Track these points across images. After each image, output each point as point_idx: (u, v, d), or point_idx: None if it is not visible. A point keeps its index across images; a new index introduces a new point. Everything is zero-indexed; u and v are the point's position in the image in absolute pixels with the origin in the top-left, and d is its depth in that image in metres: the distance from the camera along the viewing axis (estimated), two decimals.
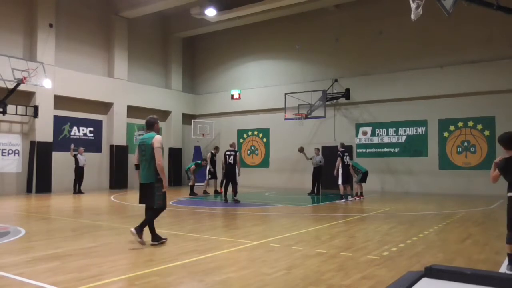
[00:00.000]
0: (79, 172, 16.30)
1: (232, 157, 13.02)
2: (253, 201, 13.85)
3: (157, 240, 6.32)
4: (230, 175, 13.03)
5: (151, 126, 6.54)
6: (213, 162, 15.98)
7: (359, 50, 18.90)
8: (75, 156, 16.26)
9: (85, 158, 16.51)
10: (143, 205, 6.63)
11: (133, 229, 6.11)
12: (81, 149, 16.62)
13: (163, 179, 6.27)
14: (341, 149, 13.68)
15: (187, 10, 19.82)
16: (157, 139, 6.25)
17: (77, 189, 16.24)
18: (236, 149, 13.41)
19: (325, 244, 6.44)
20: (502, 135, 5.02)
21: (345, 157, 13.58)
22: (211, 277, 4.59)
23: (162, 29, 22.58)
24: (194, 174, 15.97)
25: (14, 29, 16.51)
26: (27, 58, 16.14)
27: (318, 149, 16.41)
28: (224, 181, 13.53)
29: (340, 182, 13.46)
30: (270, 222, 9.35)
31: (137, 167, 6.55)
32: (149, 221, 6.31)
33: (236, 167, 12.87)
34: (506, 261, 4.99)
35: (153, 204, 6.28)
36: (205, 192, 16.04)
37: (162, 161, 6.28)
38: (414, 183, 17.33)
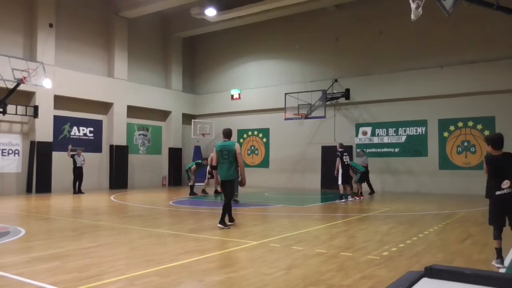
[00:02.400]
0: (77, 172, 16.27)
1: None
2: (253, 201, 13.85)
3: (225, 225, 7.84)
4: None
5: (229, 135, 8.19)
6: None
7: (359, 50, 18.90)
8: (72, 156, 16.22)
9: (82, 158, 16.42)
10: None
11: (229, 223, 7.99)
12: (79, 150, 16.60)
13: (243, 177, 8.11)
14: (340, 149, 13.66)
15: (187, 10, 19.82)
16: (238, 146, 7.97)
17: (77, 189, 16.23)
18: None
19: (325, 244, 6.44)
20: (491, 135, 5.35)
21: (344, 157, 13.55)
22: (211, 277, 4.59)
23: (162, 29, 22.58)
24: (195, 174, 15.96)
25: (14, 29, 16.52)
26: (27, 58, 16.14)
27: (363, 151, 16.70)
28: None
29: (340, 182, 13.45)
30: (270, 222, 9.35)
31: (215, 167, 8.27)
32: (230, 208, 8.18)
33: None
34: (507, 260, 5.05)
35: (234, 195, 8.44)
36: (203, 191, 16.02)
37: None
38: (414, 183, 17.33)
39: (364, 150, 17.00)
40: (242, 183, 8.25)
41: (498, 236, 5.01)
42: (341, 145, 13.94)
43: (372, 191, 16.07)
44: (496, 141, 5.07)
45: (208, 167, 15.79)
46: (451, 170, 16.67)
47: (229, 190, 8.09)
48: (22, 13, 16.78)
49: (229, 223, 8.08)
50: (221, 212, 8.01)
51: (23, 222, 9.10)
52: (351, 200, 13.53)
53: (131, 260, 5.40)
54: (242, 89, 22.39)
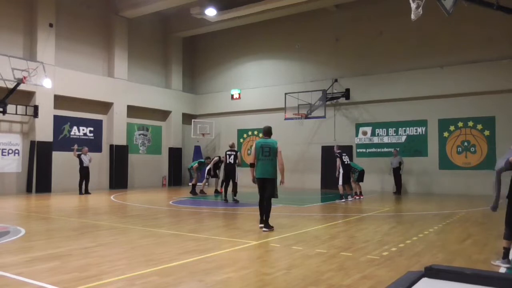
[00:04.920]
0: (83, 172, 16.06)
1: (232, 156, 13.14)
2: (253, 201, 13.80)
3: (269, 227, 7.57)
4: (230, 175, 13.16)
5: (270, 133, 8.01)
6: (216, 166, 15.82)
7: (359, 50, 18.89)
8: (78, 156, 15.94)
9: (89, 158, 16.19)
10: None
11: (264, 229, 7.51)
12: (85, 149, 16.34)
13: (283, 176, 7.83)
14: (338, 151, 13.77)
15: (187, 10, 19.81)
16: (279, 144, 7.81)
17: (83, 190, 16.04)
18: (236, 149, 13.59)
19: (325, 244, 6.44)
20: None
21: (343, 157, 13.62)
22: (211, 277, 4.59)
23: (162, 29, 22.57)
24: (197, 173, 15.96)
25: (14, 29, 16.51)
26: (27, 58, 16.14)
27: (396, 150, 16.86)
28: (224, 181, 13.59)
29: (340, 183, 13.47)
30: (270, 222, 9.34)
31: (253, 165, 7.83)
32: (270, 211, 7.68)
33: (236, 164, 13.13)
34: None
35: (274, 195, 7.72)
36: (201, 192, 16.00)
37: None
38: (414, 183, 17.33)
39: (397, 149, 17.08)
40: (282, 182, 7.87)
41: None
42: (338, 147, 14.20)
43: (399, 192, 16.42)
44: None
45: (210, 167, 15.77)
46: (451, 170, 16.67)
47: (270, 190, 7.67)
48: (22, 13, 16.77)
49: (262, 226, 7.68)
50: (259, 213, 7.81)
51: (23, 222, 9.10)
52: (351, 200, 13.55)
53: (131, 260, 5.40)
54: (242, 89, 22.38)
